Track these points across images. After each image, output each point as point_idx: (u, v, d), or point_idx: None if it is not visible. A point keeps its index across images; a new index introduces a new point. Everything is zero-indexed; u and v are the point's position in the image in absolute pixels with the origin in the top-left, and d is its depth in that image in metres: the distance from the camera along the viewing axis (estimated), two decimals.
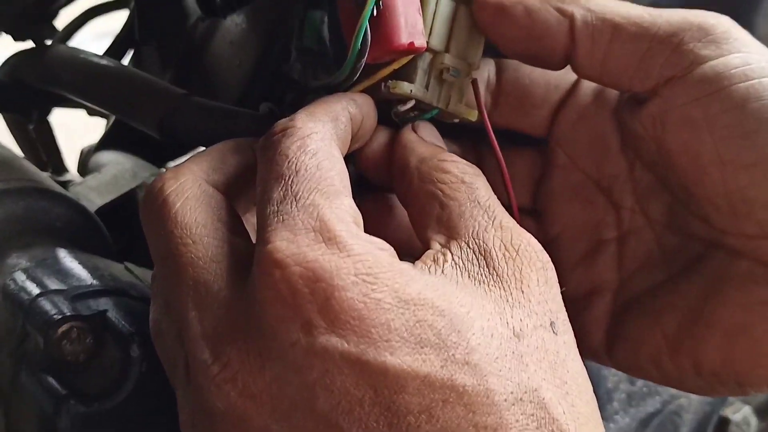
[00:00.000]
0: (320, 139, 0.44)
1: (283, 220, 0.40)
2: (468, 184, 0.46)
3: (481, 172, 0.47)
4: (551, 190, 0.56)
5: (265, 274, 0.38)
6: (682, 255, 0.52)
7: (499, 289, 0.41)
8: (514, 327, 0.40)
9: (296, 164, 0.42)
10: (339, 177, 0.43)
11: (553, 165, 0.56)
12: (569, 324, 0.43)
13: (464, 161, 0.48)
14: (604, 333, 0.54)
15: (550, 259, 0.44)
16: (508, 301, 0.41)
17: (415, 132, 0.52)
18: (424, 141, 0.51)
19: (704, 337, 0.48)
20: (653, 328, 0.51)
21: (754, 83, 0.45)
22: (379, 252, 0.40)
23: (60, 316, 0.46)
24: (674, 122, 0.48)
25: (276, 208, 0.40)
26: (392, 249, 0.41)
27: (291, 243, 0.38)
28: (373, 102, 0.50)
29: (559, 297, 0.43)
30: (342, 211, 0.41)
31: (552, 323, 0.41)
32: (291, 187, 0.41)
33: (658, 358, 0.50)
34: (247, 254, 0.42)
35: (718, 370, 0.48)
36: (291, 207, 0.40)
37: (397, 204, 0.55)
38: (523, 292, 0.41)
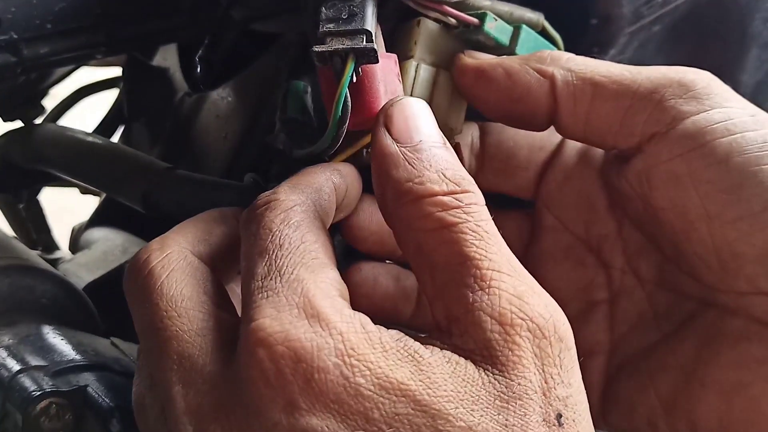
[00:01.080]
0: (303, 211, 0.43)
1: (267, 296, 0.39)
2: (450, 229, 0.40)
3: (474, 185, 0.42)
4: (540, 253, 0.56)
5: (249, 353, 0.38)
6: (674, 314, 0.51)
7: (504, 378, 0.38)
8: (513, 426, 0.37)
9: (280, 238, 0.41)
10: (323, 249, 0.42)
11: (542, 227, 0.56)
12: (583, 404, 0.41)
13: (450, 177, 0.41)
14: (599, 396, 0.53)
15: (564, 322, 0.41)
16: (513, 393, 0.38)
17: (388, 130, 0.44)
18: (397, 154, 0.43)
19: (699, 398, 0.47)
20: (647, 389, 0.50)
21: (736, 137, 0.45)
22: (365, 330, 0.38)
23: (39, 392, 0.46)
24: (659, 179, 0.48)
25: (260, 283, 0.40)
26: (381, 328, 0.39)
27: (274, 320, 0.38)
28: (356, 172, 0.50)
29: (575, 375, 0.40)
30: (327, 285, 0.40)
31: (558, 415, 0.39)
32: (275, 262, 0.40)
33: (654, 420, 0.49)
34: (232, 328, 0.42)
35: (714, 431, 0.47)
36: (275, 282, 0.40)
37: (382, 273, 0.55)
38: (530, 381, 0.38)
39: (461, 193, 0.41)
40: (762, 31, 0.64)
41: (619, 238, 0.53)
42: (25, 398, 0.46)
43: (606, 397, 0.52)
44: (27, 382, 0.47)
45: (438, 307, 0.41)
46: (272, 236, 0.41)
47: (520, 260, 0.55)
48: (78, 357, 0.50)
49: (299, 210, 0.43)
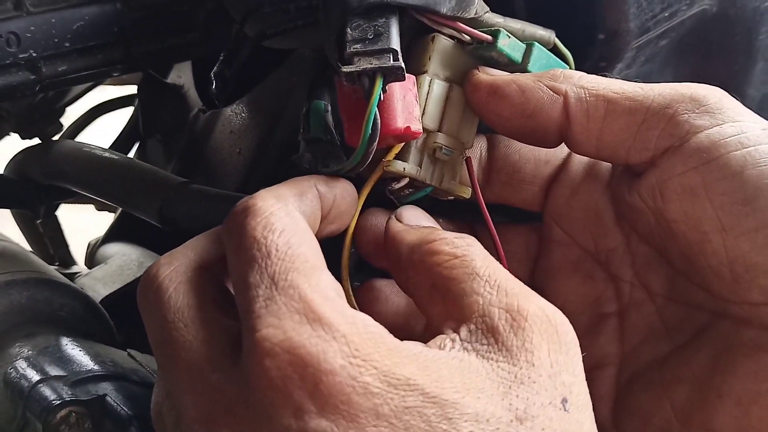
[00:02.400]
0: (285, 214, 0.43)
1: (266, 305, 0.40)
2: (462, 257, 0.44)
3: (474, 239, 0.46)
4: (549, 266, 0.56)
5: (256, 364, 0.38)
6: (686, 326, 0.52)
7: (509, 364, 0.40)
8: (517, 409, 0.39)
9: (266, 246, 0.41)
10: (311, 251, 0.42)
11: (550, 241, 0.56)
12: (587, 396, 0.42)
13: (453, 234, 0.46)
14: (610, 408, 0.53)
15: (566, 320, 0.43)
16: (516, 377, 0.39)
17: (400, 221, 0.51)
18: (410, 227, 0.50)
19: (716, 408, 0.47)
20: (661, 401, 0.50)
21: (750, 150, 0.46)
22: (368, 329, 0.39)
23: (59, 401, 0.47)
24: (673, 191, 0.48)
25: (256, 292, 0.40)
26: (383, 327, 0.40)
27: (277, 329, 0.38)
28: (348, 185, 0.50)
29: (578, 364, 0.42)
30: (322, 287, 0.40)
31: (564, 399, 0.40)
32: (267, 270, 0.41)
33: (669, 431, 0.50)
34: (237, 334, 0.42)
35: None
36: (272, 291, 0.40)
37: (394, 291, 0.55)
38: (533, 365, 0.40)
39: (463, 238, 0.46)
40: None
41: (627, 252, 0.54)
42: (45, 407, 0.47)
43: (618, 409, 0.53)
44: (47, 391, 0.48)
45: (449, 323, 0.42)
46: (258, 244, 0.42)
47: (529, 274, 0.57)
48: (96, 367, 0.51)
49: (280, 214, 0.43)
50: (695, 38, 0.60)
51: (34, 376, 0.50)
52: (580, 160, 0.55)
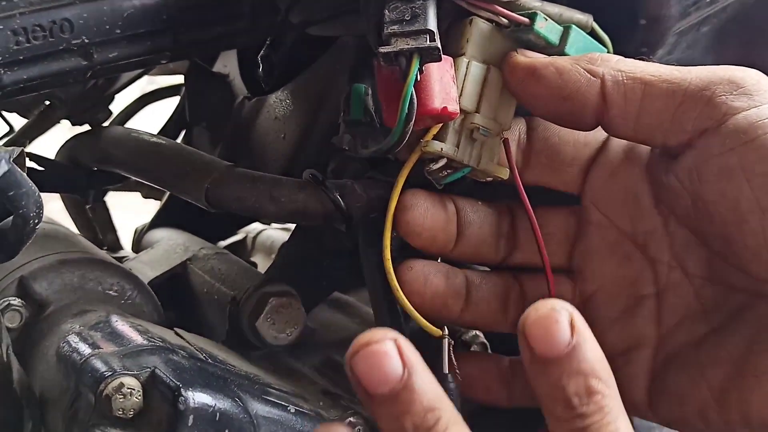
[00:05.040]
0: None
1: None
2: None
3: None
4: (587, 249, 0.57)
5: None
6: (723, 307, 0.52)
7: None
8: None
9: None
10: None
11: (588, 223, 0.57)
12: None
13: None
14: (646, 388, 0.54)
15: None
16: None
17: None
18: None
19: (752, 388, 0.48)
20: (698, 381, 0.51)
21: None
22: None
23: (110, 373, 0.48)
24: (711, 172, 0.49)
25: None
26: None
27: None
28: None
29: None
30: None
31: None
32: None
33: (705, 411, 0.50)
34: None
35: None
36: None
37: (432, 272, 0.56)
38: None
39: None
40: None
41: (665, 234, 0.54)
42: (97, 378, 0.48)
43: (654, 391, 0.53)
44: (98, 363, 0.50)
45: None
46: None
47: (567, 257, 0.57)
48: (146, 342, 0.53)
49: None
50: (737, 25, 0.60)
51: (86, 350, 0.52)
52: (618, 143, 0.56)
